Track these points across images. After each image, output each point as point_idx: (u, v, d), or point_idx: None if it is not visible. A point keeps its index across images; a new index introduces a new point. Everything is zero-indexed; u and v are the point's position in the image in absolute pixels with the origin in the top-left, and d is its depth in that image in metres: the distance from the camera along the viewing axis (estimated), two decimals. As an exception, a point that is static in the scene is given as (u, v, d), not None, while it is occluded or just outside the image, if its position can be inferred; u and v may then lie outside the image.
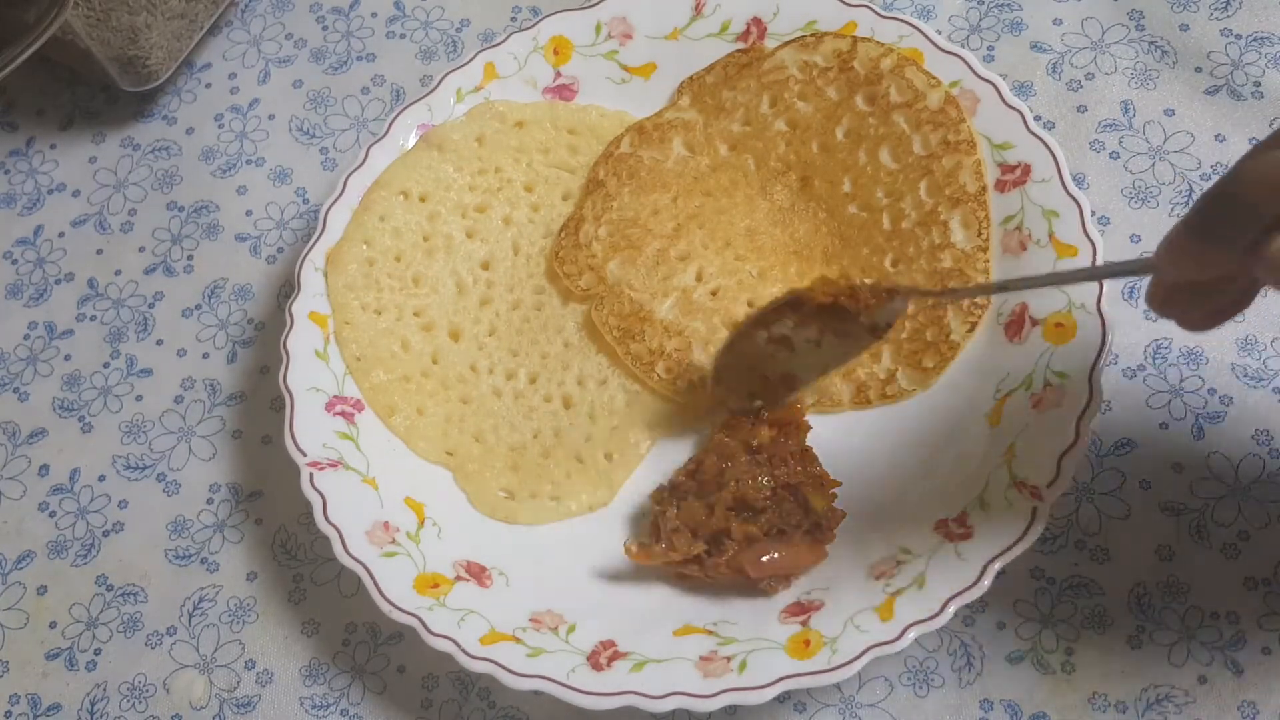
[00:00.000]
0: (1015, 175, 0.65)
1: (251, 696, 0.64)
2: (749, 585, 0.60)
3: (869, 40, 0.70)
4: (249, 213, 0.79)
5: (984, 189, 0.65)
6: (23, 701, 0.66)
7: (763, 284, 0.68)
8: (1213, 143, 0.70)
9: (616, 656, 0.58)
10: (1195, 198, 0.68)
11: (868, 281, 0.61)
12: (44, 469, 0.72)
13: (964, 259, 0.65)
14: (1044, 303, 0.62)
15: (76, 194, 0.81)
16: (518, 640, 0.58)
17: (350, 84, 0.82)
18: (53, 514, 0.71)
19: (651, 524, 0.63)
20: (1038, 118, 0.69)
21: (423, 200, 0.72)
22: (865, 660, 0.54)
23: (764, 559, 0.59)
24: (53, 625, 0.68)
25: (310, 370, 0.67)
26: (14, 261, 0.79)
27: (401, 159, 0.72)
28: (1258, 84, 0.71)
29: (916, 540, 0.59)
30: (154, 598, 0.67)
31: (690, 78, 0.73)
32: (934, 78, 0.68)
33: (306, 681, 0.64)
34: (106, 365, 0.75)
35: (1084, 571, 0.61)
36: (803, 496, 0.60)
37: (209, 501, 0.70)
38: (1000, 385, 0.62)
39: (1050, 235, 0.63)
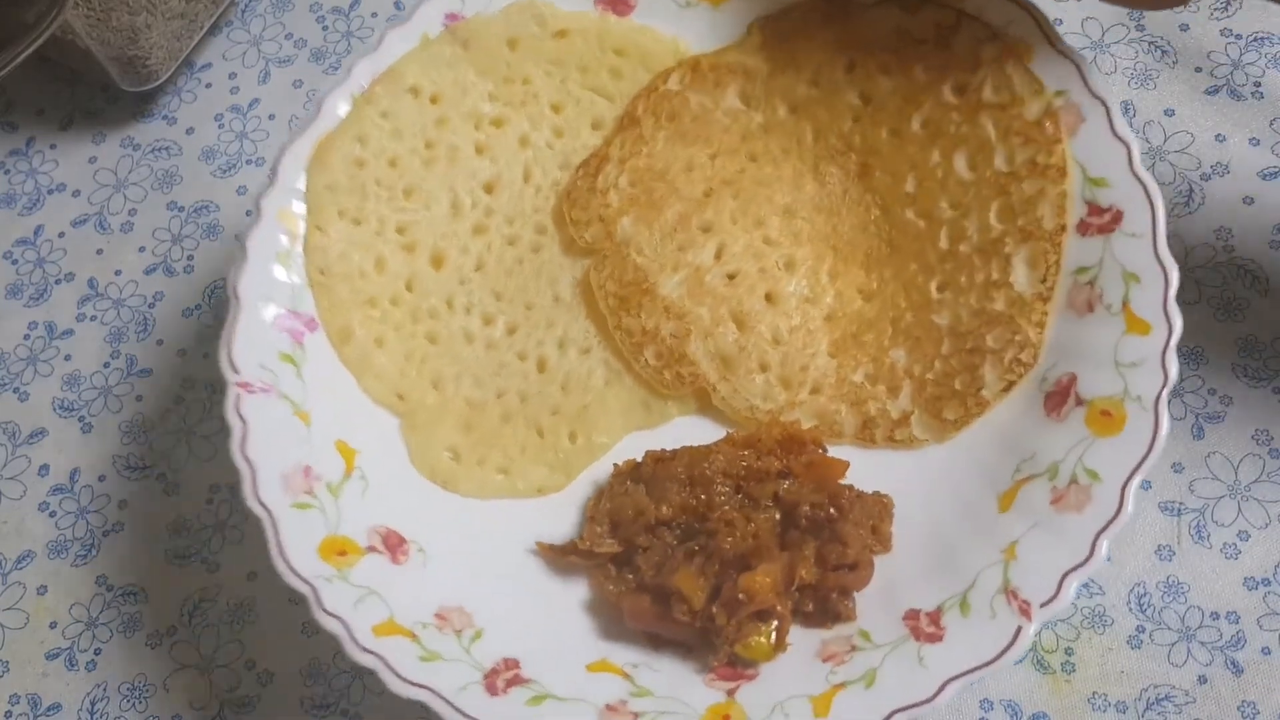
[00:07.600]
0: (1103, 220, 0.56)
1: (251, 696, 0.64)
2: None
3: (976, 20, 0.59)
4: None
5: (1063, 228, 0.57)
6: (23, 701, 0.66)
7: (788, 276, 0.61)
8: (1213, 143, 0.70)
9: (516, 682, 0.52)
10: (1195, 197, 0.68)
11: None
12: (44, 469, 0.72)
13: (1019, 305, 0.56)
14: (1097, 381, 0.55)
15: (76, 194, 0.81)
16: (414, 638, 0.53)
17: (350, 84, 0.82)
18: (53, 514, 0.71)
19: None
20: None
21: (434, 101, 0.64)
22: None
23: (641, 612, 0.54)
24: (53, 625, 0.68)
25: (266, 276, 0.60)
26: (14, 261, 0.79)
27: (419, 49, 0.63)
28: (1258, 84, 0.71)
29: (880, 626, 0.53)
30: (154, 598, 0.67)
31: (765, 17, 0.63)
32: (1038, 81, 0.58)
33: (306, 681, 0.64)
34: (106, 365, 0.75)
35: (1084, 571, 0.61)
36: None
37: (209, 502, 0.70)
38: (1022, 465, 0.55)
39: (1125, 303, 0.54)
